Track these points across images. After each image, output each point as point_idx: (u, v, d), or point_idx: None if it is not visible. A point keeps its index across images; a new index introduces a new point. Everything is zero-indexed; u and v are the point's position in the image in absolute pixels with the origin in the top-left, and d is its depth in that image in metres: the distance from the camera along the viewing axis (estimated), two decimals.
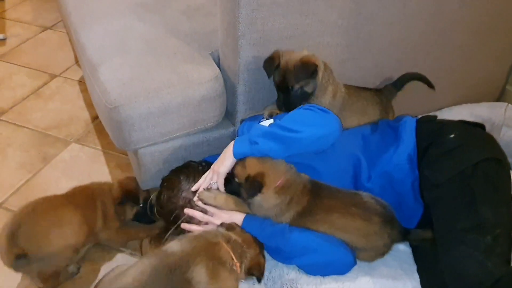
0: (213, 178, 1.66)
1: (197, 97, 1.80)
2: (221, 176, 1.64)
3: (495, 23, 2.20)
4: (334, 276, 1.59)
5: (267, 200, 1.55)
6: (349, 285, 1.56)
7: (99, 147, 2.55)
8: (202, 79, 1.80)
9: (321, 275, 1.59)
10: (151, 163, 1.93)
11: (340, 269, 1.58)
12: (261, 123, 1.74)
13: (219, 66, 1.90)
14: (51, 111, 2.81)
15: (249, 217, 1.61)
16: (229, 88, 1.88)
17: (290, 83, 1.68)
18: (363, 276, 1.59)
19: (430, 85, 2.00)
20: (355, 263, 1.58)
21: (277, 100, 1.76)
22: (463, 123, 1.75)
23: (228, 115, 1.99)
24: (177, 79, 1.79)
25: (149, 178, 1.97)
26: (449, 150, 1.59)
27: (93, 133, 2.64)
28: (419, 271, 1.63)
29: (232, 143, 1.62)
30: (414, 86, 2.06)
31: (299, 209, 1.56)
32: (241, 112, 1.93)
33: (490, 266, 1.34)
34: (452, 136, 1.63)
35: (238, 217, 1.62)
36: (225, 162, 1.62)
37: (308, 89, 1.71)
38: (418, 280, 1.61)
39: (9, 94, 2.94)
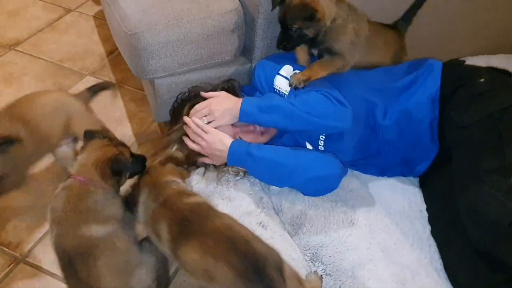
0: (208, 118, 1.65)
1: (216, 28, 1.79)
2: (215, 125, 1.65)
3: None
4: (344, 209, 1.63)
5: None
6: (358, 218, 1.59)
7: (114, 81, 2.56)
8: (222, 9, 1.79)
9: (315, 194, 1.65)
10: (167, 95, 1.94)
11: (332, 183, 1.63)
12: (279, 75, 1.74)
13: None
14: (66, 44, 2.81)
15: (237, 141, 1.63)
16: (249, 22, 1.86)
17: (288, 22, 1.63)
18: (371, 211, 1.63)
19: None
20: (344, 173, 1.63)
21: (278, 35, 1.70)
22: (491, 69, 1.75)
23: (246, 51, 1.98)
24: (197, 8, 1.77)
25: (164, 110, 1.99)
26: (479, 93, 1.58)
27: (108, 68, 2.65)
28: (428, 209, 1.67)
29: (239, 101, 1.62)
30: (430, 36, 2.03)
31: None
32: (259, 48, 1.91)
33: (510, 206, 1.34)
34: (482, 80, 1.62)
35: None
36: (225, 118, 1.63)
37: (308, 32, 1.65)
38: (427, 218, 1.65)
39: (24, 25, 2.93)
